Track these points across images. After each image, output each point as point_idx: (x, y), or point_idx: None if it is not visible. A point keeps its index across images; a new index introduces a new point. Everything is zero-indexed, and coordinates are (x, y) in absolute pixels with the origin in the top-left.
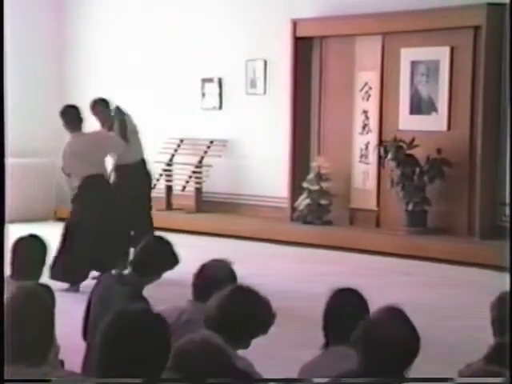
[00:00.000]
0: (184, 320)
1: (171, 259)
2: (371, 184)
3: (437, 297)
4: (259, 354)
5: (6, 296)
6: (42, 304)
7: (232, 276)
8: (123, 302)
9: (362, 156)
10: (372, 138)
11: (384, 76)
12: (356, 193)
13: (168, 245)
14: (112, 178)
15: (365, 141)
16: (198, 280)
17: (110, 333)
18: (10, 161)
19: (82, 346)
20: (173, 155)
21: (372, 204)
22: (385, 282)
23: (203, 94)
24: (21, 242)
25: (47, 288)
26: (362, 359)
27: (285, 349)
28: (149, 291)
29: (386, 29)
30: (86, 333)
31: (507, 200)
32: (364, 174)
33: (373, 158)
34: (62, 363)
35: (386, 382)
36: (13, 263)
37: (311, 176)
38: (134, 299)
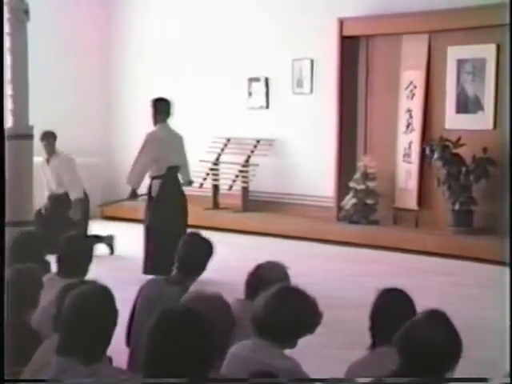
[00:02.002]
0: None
1: (211, 254)
2: (413, 183)
3: (480, 297)
4: (306, 354)
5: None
6: (104, 305)
7: (285, 278)
8: (174, 302)
9: (405, 155)
10: (415, 137)
11: (430, 75)
12: (399, 192)
13: (207, 241)
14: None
15: (408, 140)
16: (251, 279)
17: (157, 331)
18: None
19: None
20: (219, 154)
21: (413, 204)
22: (429, 281)
23: (250, 94)
24: (68, 240)
25: (106, 289)
26: (401, 360)
27: (332, 349)
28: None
29: (432, 27)
30: (130, 337)
31: None
32: (407, 173)
33: (415, 157)
34: (110, 360)
35: (425, 382)
36: (59, 260)
37: (357, 175)
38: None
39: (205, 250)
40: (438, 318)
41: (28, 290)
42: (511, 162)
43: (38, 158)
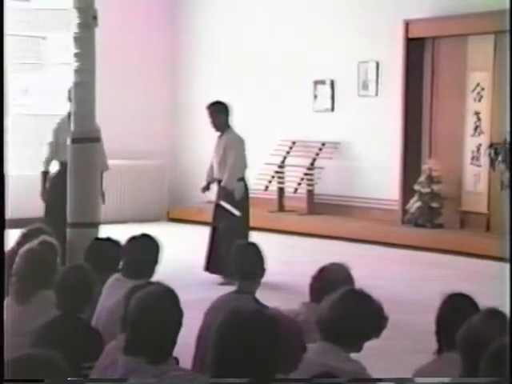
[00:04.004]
0: (300, 321)
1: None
2: (482, 187)
3: None
4: (372, 357)
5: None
6: (169, 306)
7: (349, 280)
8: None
9: (473, 158)
10: (484, 139)
11: (496, 76)
12: (467, 195)
13: (256, 246)
14: None
15: (476, 143)
16: (316, 282)
17: (226, 329)
18: (123, 162)
19: (191, 345)
20: (285, 157)
21: (483, 207)
22: (494, 287)
23: (315, 96)
24: (134, 241)
25: (170, 290)
26: (463, 363)
27: (398, 353)
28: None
29: (498, 28)
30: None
31: None
32: (475, 176)
33: (484, 160)
34: (177, 361)
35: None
36: (125, 261)
37: (422, 178)
38: (251, 303)
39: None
40: (494, 316)
41: (81, 288)
42: (511, 162)
43: (109, 161)
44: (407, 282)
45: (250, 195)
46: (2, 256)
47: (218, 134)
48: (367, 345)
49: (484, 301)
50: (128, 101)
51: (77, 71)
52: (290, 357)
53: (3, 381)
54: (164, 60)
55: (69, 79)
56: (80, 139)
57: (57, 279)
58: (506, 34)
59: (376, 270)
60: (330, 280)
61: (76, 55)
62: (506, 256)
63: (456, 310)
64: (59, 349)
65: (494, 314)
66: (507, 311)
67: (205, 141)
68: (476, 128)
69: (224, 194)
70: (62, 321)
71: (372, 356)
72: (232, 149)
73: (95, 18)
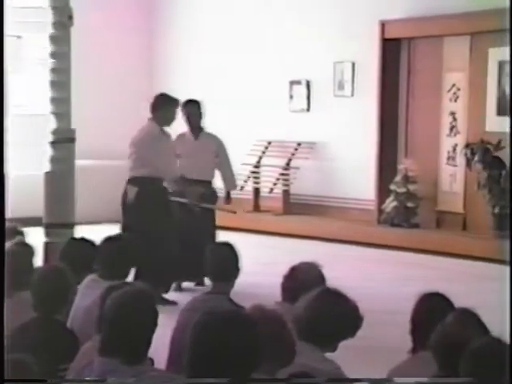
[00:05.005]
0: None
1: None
2: (458, 186)
3: None
4: (349, 357)
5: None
6: (145, 306)
7: (321, 279)
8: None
9: (449, 158)
10: (460, 140)
11: (471, 77)
12: (443, 195)
13: (231, 247)
14: None
15: (452, 143)
16: (287, 282)
17: (200, 331)
18: (99, 163)
19: (165, 346)
20: (260, 157)
21: (459, 207)
22: (471, 286)
23: (291, 96)
24: (110, 242)
25: (146, 290)
26: (438, 364)
27: (373, 353)
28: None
29: (474, 29)
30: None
31: None
32: (451, 176)
33: (460, 160)
34: (151, 361)
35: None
36: (101, 262)
37: (398, 178)
38: (226, 303)
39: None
40: (465, 317)
41: (58, 289)
42: (511, 162)
43: (83, 161)
44: (385, 281)
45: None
46: (2, 256)
47: (191, 133)
48: (344, 344)
49: (463, 301)
50: (103, 101)
51: (52, 70)
52: (283, 351)
53: (3, 381)
54: (140, 60)
55: (45, 79)
56: (55, 139)
57: (34, 280)
58: (482, 35)
59: (351, 269)
60: (302, 279)
61: (52, 54)
62: (506, 258)
63: (431, 309)
64: (35, 351)
65: (466, 314)
66: (507, 312)
67: None
68: (452, 128)
69: (199, 194)
70: (38, 322)
71: (349, 356)
72: (225, 150)
73: (71, 17)
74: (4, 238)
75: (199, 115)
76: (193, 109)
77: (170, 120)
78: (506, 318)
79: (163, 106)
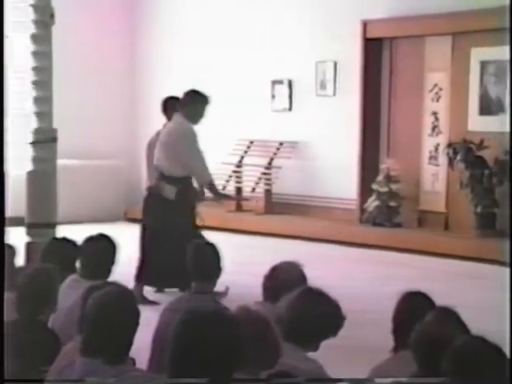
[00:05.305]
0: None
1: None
2: (440, 186)
3: (507, 301)
4: (331, 356)
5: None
6: (126, 306)
7: (302, 278)
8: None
9: (431, 158)
10: (442, 139)
11: (453, 77)
12: (425, 195)
13: (213, 246)
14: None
15: (434, 142)
16: (269, 281)
17: (182, 331)
18: (81, 162)
19: (147, 346)
20: (242, 157)
21: (441, 206)
22: (453, 285)
23: (273, 96)
24: (91, 241)
25: (127, 290)
26: (417, 362)
27: (355, 352)
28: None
29: (456, 29)
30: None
31: None
32: (433, 176)
33: (442, 159)
34: (133, 361)
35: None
36: (82, 262)
37: (380, 178)
38: (209, 303)
39: (219, 261)
40: (444, 315)
41: (44, 290)
42: (511, 164)
43: (65, 161)
44: (367, 281)
45: (207, 195)
46: (2, 256)
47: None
48: (325, 344)
49: (445, 300)
50: (86, 100)
51: (34, 69)
52: (268, 352)
53: (3, 381)
54: (122, 60)
55: (28, 79)
56: (37, 139)
57: (20, 281)
58: (464, 35)
59: (334, 269)
60: (283, 279)
61: (33, 53)
62: (506, 260)
63: (412, 308)
64: (18, 352)
65: (445, 312)
66: (507, 312)
67: None
68: (434, 128)
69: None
70: (20, 323)
71: (331, 355)
72: None
73: (52, 16)
74: (4, 237)
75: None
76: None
77: (200, 118)
78: (506, 318)
79: (195, 103)
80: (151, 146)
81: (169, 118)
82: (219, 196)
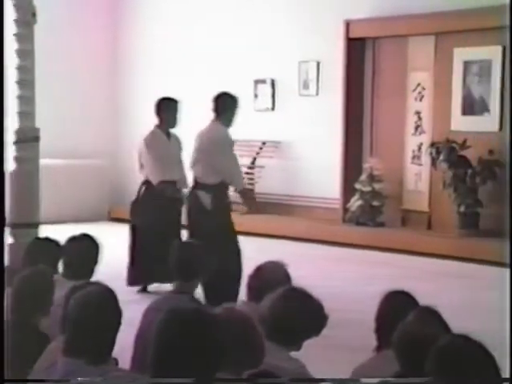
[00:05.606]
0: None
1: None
2: (423, 185)
3: (490, 299)
4: (314, 355)
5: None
6: (108, 305)
7: (287, 278)
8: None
9: (414, 157)
10: (425, 139)
11: (436, 76)
12: (408, 194)
13: (197, 246)
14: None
15: (417, 142)
16: (253, 281)
17: (164, 330)
18: (64, 162)
19: (130, 346)
20: None
21: (424, 205)
22: (437, 284)
23: (256, 95)
24: (74, 241)
25: (110, 290)
26: (400, 362)
27: (337, 351)
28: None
29: (439, 29)
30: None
31: None
32: (416, 175)
33: (425, 159)
34: (116, 361)
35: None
36: (65, 262)
37: (363, 177)
38: (190, 303)
39: (207, 260)
40: (426, 315)
41: (37, 293)
42: (511, 164)
43: (48, 160)
44: (349, 280)
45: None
46: (2, 256)
47: (163, 133)
48: (308, 343)
49: (428, 299)
50: (69, 100)
51: (17, 69)
52: (252, 352)
53: (3, 381)
54: (105, 59)
55: (11, 78)
56: (19, 138)
57: (15, 283)
58: (447, 35)
59: (317, 268)
60: (267, 278)
61: (16, 52)
62: (505, 261)
63: (395, 307)
64: (10, 353)
65: (426, 312)
66: (507, 312)
67: None
68: (417, 127)
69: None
70: (12, 325)
71: (313, 354)
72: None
73: (34, 14)
74: (3, 237)
75: (177, 113)
76: (174, 107)
77: (233, 122)
78: (506, 318)
79: (230, 107)
80: (152, 145)
81: (162, 119)
82: (251, 201)
